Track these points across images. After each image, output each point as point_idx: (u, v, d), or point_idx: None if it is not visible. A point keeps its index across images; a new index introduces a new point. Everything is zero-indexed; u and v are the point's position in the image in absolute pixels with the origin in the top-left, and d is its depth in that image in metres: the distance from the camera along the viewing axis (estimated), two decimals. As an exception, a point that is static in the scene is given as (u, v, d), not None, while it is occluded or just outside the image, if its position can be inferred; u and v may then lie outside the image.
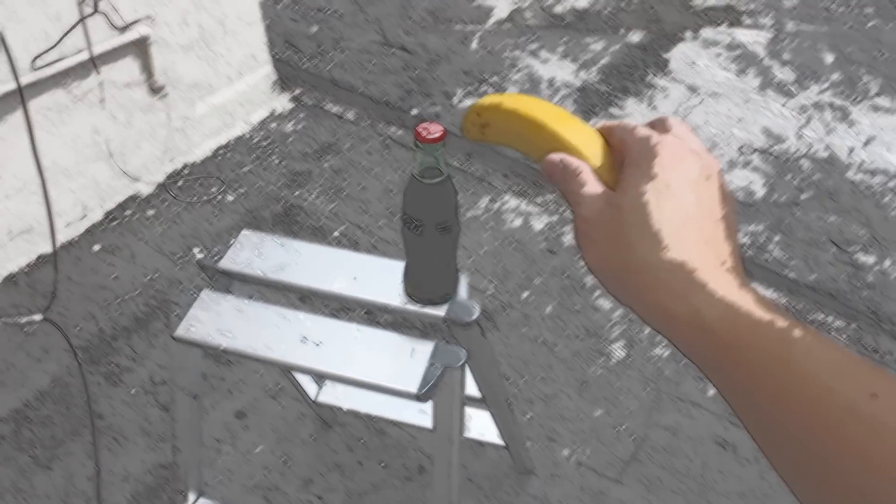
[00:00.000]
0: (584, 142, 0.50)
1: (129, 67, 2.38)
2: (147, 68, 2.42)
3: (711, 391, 2.02)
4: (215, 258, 1.03)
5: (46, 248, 2.27)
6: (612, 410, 1.95)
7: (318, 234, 2.42)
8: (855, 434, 0.33)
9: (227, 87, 2.78)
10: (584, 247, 0.45)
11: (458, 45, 3.38)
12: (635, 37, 3.50)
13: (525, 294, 2.26)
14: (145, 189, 2.56)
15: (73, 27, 2.11)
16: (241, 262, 1.02)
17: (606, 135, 0.50)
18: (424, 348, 0.91)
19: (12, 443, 1.87)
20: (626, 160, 0.46)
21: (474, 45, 3.39)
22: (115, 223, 2.44)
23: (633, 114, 2.98)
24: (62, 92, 2.21)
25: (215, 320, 0.95)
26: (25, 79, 2.02)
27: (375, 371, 0.89)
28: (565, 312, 2.21)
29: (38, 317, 1.97)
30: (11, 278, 2.25)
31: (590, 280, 2.31)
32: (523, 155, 0.54)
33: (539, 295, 2.26)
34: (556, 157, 0.48)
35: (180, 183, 2.60)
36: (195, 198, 2.54)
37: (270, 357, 0.91)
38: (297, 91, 3.10)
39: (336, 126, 2.91)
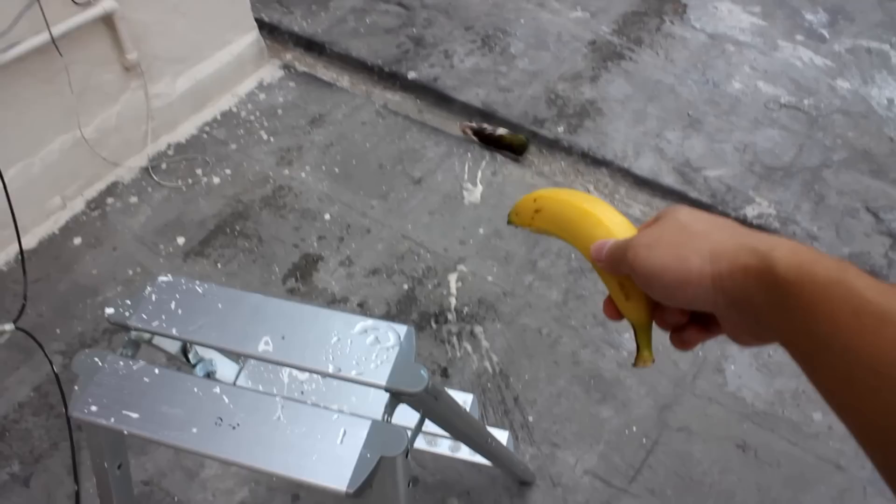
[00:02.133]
0: (624, 230, 0.60)
1: (96, 46, 2.21)
2: (117, 45, 2.25)
3: (730, 386, 1.85)
4: (126, 314, 0.88)
5: (25, 245, 2.15)
6: (622, 410, 1.80)
7: (308, 217, 2.26)
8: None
9: (209, 58, 2.60)
10: (648, 254, 0.52)
11: (460, -3, 3.15)
12: (652, -21, 3.22)
13: (529, 279, 2.10)
14: (127, 174, 2.42)
15: (28, 8, 1.94)
16: (153, 318, 0.87)
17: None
18: (358, 431, 0.76)
19: (-9, 458, 1.79)
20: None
21: (477, -4, 3.15)
22: (96, 212, 2.31)
23: (649, 68, 2.74)
24: (25, 78, 2.06)
25: (118, 394, 0.81)
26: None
27: (299, 463, 0.74)
28: (572, 299, 2.05)
29: (8, 326, 1.86)
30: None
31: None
32: (567, 242, 0.64)
33: (543, 280, 2.09)
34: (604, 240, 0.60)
35: (164, 165, 2.46)
36: (179, 181, 2.40)
37: (180, 445, 0.77)
38: (287, 57, 2.91)
39: (328, 94, 2.72)
